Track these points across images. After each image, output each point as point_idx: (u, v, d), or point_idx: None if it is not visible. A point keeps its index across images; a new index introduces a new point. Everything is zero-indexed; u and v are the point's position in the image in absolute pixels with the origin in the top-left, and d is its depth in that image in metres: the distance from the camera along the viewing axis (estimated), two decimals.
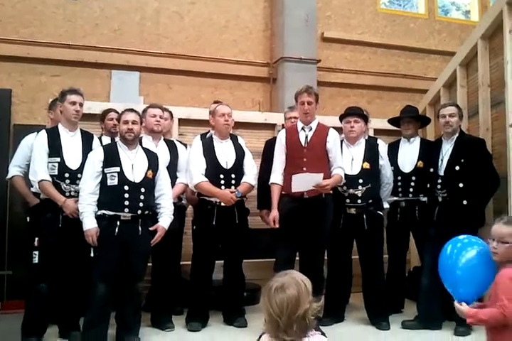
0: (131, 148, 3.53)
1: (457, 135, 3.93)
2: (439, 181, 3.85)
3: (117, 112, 4.10)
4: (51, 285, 3.45)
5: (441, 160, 3.89)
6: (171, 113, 4.45)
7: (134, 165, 3.46)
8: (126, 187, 3.38)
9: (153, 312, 3.86)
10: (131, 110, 3.60)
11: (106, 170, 3.40)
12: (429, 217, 3.92)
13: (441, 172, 3.85)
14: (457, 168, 3.78)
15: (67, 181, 3.50)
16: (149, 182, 3.50)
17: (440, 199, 3.85)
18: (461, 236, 2.61)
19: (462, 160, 3.79)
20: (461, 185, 3.75)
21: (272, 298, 1.69)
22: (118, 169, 3.40)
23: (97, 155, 3.46)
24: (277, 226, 3.70)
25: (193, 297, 3.83)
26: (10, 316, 4.19)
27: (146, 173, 3.48)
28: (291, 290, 1.68)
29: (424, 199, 4.12)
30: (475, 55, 4.58)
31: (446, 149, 3.91)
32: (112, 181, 3.38)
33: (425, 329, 3.77)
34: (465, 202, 3.73)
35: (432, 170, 3.92)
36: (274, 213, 3.73)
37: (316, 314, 1.71)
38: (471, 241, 2.57)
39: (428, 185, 3.97)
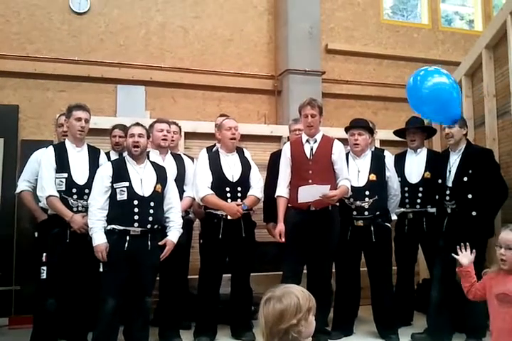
0: (140, 163, 3.54)
1: (464, 146, 3.88)
2: (448, 192, 3.81)
3: (123, 129, 4.12)
4: (59, 301, 3.45)
5: (449, 172, 3.84)
6: (179, 126, 4.46)
7: (142, 179, 3.47)
8: (135, 202, 3.39)
9: (161, 327, 3.83)
10: (137, 124, 3.62)
11: (115, 185, 3.41)
12: (437, 228, 3.89)
13: (450, 184, 3.82)
14: (465, 179, 3.74)
15: (75, 196, 3.52)
16: (158, 196, 3.51)
17: (449, 210, 3.81)
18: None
19: (470, 171, 3.74)
20: (469, 196, 3.72)
21: (262, 308, 1.67)
22: (127, 184, 3.41)
23: (105, 170, 3.47)
24: (283, 240, 3.68)
25: (200, 311, 3.81)
26: (18, 331, 4.17)
27: (154, 187, 3.49)
28: (278, 304, 1.63)
29: (432, 210, 4.09)
30: (480, 65, 4.59)
31: (454, 160, 3.87)
32: (122, 196, 3.39)
33: None
34: (474, 213, 3.69)
35: (440, 181, 3.89)
36: (280, 227, 3.72)
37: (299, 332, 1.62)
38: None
39: (437, 197, 3.94)
